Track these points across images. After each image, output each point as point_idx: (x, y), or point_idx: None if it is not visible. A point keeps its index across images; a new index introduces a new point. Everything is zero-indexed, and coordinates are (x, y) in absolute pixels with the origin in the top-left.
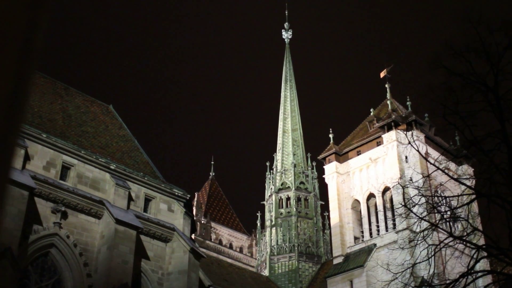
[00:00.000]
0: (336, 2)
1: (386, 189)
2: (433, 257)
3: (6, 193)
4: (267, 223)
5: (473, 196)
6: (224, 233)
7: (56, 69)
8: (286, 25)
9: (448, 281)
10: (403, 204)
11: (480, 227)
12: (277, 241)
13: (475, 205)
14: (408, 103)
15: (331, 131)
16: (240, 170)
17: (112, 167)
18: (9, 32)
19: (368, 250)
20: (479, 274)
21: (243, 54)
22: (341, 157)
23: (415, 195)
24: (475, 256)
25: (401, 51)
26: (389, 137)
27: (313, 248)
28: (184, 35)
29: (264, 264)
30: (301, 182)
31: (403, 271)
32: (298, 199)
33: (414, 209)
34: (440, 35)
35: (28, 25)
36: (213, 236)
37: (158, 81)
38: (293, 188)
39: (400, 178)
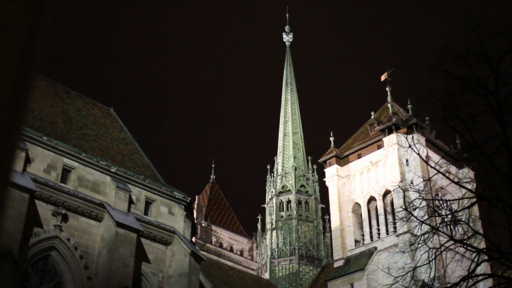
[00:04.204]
0: (337, 6)
1: (387, 193)
2: (433, 261)
3: (7, 196)
4: (268, 226)
5: (474, 200)
6: (225, 236)
7: (57, 72)
8: (287, 28)
9: (449, 285)
10: (403, 207)
11: (481, 231)
12: (278, 244)
13: (475, 209)
14: (408, 106)
15: (331, 134)
16: (241, 173)
17: (112, 170)
18: (11, 35)
19: (369, 254)
20: (480, 277)
21: (244, 57)
22: (342, 160)
23: (416, 198)
24: (475, 260)
25: (401, 55)
26: (390, 140)
27: (313, 251)
28: (185, 38)
29: (264, 267)
30: (302, 185)
31: (403, 275)
32: (299, 202)
33: (415, 213)
34: (440, 38)
35: (30, 28)
36: (214, 239)
37: (159, 84)
38: (294, 191)
39: (401, 181)
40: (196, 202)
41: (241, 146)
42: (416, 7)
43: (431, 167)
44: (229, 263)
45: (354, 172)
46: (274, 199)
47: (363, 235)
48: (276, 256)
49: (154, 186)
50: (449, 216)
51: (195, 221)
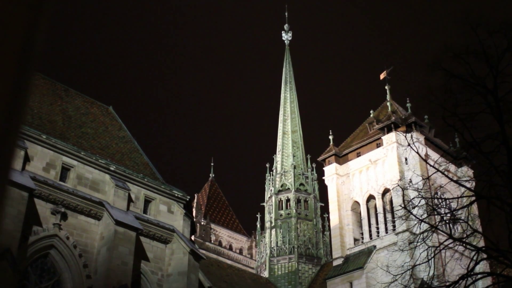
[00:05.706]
0: (336, 4)
1: (386, 191)
2: (433, 259)
3: (6, 194)
4: (267, 224)
5: (473, 198)
6: (224, 234)
7: (56, 71)
8: (286, 26)
9: (448, 283)
10: (403, 206)
11: (480, 229)
12: (277, 242)
13: (474, 207)
14: (408, 105)
15: (331, 133)
16: (240, 172)
17: (112, 168)
18: (10, 34)
19: (368, 252)
20: (479, 276)
21: (243, 56)
22: (341, 158)
23: (415, 197)
24: (474, 258)
25: (401, 53)
26: (389, 138)
27: (312, 249)
28: (184, 37)
29: (263, 265)
30: (301, 184)
31: (402, 273)
32: (298, 201)
33: (414, 211)
34: (439, 37)
35: (28, 27)
36: (213, 238)
37: (158, 82)
38: (293, 190)
39: (400, 180)
40: (195, 200)
41: (240, 144)
42: (415, 6)
43: (430, 165)
44: (228, 262)
45: (353, 171)
46: (273, 198)
47: (362, 234)
48: (275, 255)
49: (153, 184)
50: (448, 215)
51: (194, 219)
